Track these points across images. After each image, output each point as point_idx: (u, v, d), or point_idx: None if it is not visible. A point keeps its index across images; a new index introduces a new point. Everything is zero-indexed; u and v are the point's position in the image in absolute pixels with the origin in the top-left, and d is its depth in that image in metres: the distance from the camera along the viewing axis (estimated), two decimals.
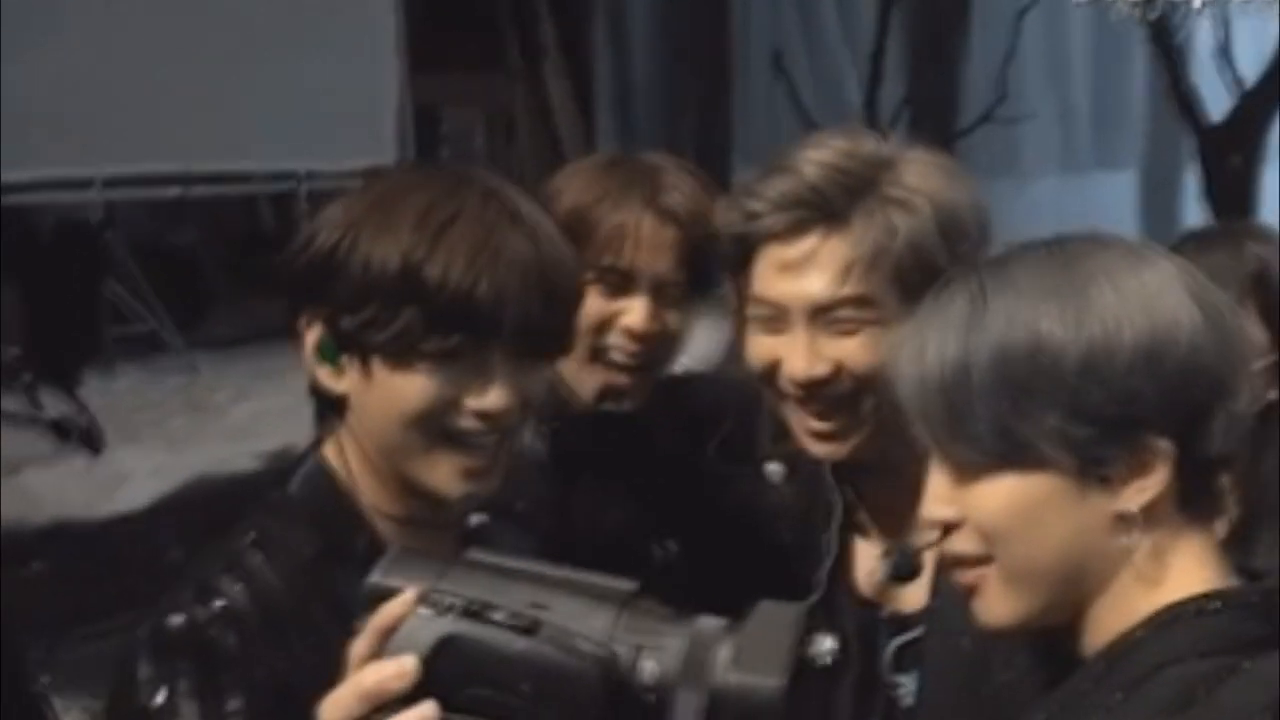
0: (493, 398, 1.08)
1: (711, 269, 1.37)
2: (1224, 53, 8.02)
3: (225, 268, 8.47)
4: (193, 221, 8.80)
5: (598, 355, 1.45)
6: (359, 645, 0.87)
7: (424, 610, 0.85)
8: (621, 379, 1.46)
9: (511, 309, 1.06)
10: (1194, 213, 8.48)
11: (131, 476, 5.93)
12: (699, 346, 1.55)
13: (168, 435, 6.56)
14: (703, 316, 1.51)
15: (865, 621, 1.31)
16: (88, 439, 6.15)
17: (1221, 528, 0.97)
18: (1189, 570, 0.95)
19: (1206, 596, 0.93)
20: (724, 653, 0.83)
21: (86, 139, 6.90)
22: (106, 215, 7.86)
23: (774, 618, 0.84)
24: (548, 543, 1.29)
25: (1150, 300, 0.94)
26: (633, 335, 1.44)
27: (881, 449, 1.24)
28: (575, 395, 1.47)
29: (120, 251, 7.74)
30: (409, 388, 1.07)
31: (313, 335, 1.11)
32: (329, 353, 1.10)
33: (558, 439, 1.49)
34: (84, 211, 7.71)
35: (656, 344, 1.46)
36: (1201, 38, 8.78)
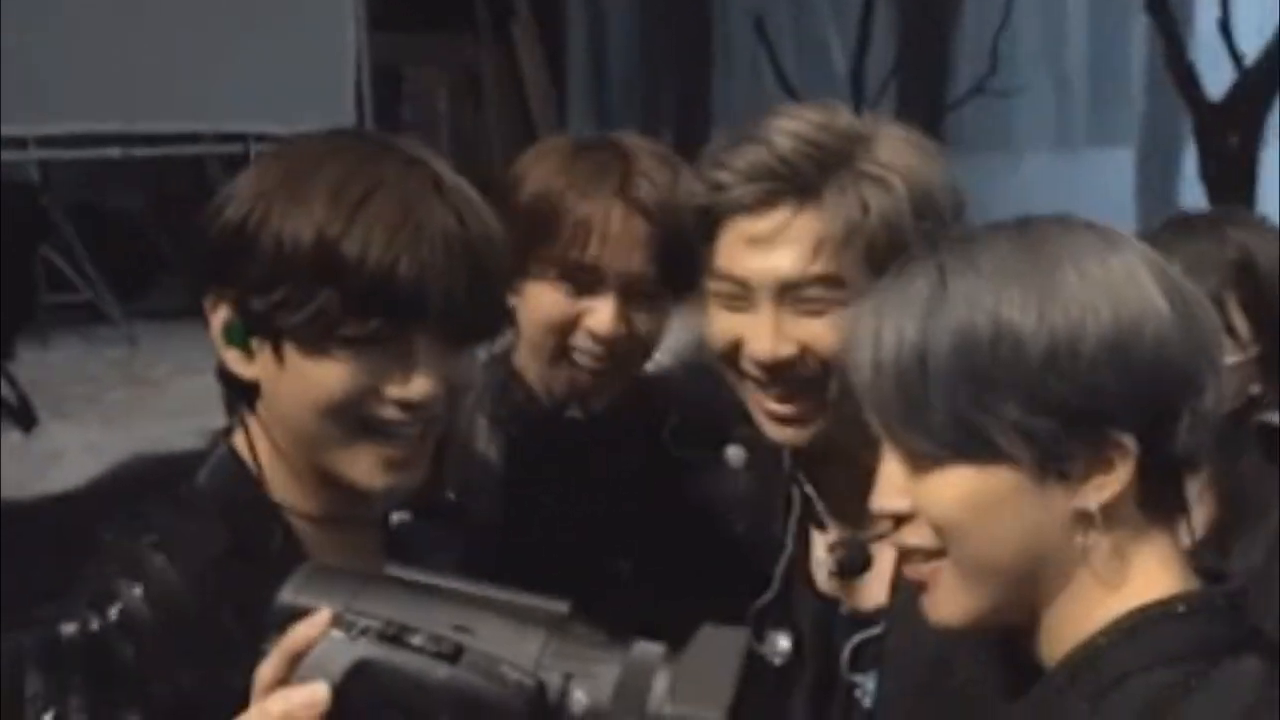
0: (416, 386, 1.05)
1: (686, 265, 1.33)
2: (1224, 28, 8.04)
3: (169, 234, 8.38)
4: (135, 185, 8.71)
5: (562, 355, 1.43)
6: (266, 669, 0.85)
7: (337, 633, 0.83)
8: (587, 381, 1.44)
9: (435, 289, 1.03)
10: (1192, 192, 8.52)
11: (65, 454, 5.87)
12: (672, 339, 1.52)
13: (104, 411, 6.50)
14: (678, 310, 1.48)
15: (823, 619, 1.32)
16: (18, 414, 6.08)
17: (1185, 534, 0.98)
18: (1150, 573, 0.95)
19: (1172, 601, 0.94)
20: (661, 682, 0.81)
21: (20, 96, 6.80)
22: (42, 177, 7.76)
23: (716, 645, 0.82)
24: (489, 545, 1.28)
25: (1116, 289, 0.94)
26: (598, 337, 1.41)
27: (842, 437, 1.24)
28: (538, 396, 1.46)
29: (56, 215, 7.65)
30: (325, 375, 1.04)
31: (220, 316, 1.08)
32: (238, 336, 1.07)
33: (514, 445, 1.48)
34: (18, 173, 7.61)
35: (625, 346, 1.43)
36: (1202, 12, 8.81)
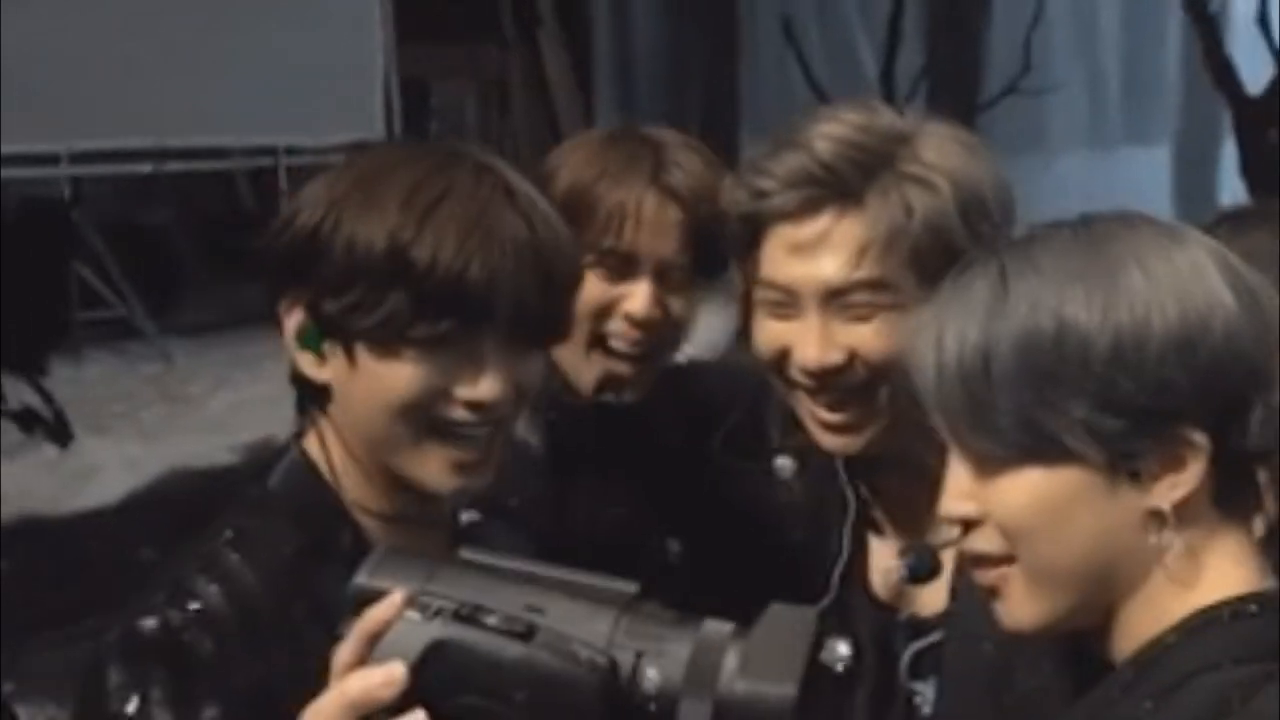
0: (485, 387, 1.07)
1: (718, 251, 1.36)
2: (1262, 21, 7.99)
3: (200, 249, 8.46)
4: (165, 200, 8.79)
5: (597, 343, 1.45)
6: (344, 651, 0.87)
7: (412, 614, 0.85)
8: (623, 368, 1.46)
9: (505, 292, 1.05)
10: (1230, 190, 8.46)
11: (101, 470, 5.93)
12: (704, 333, 1.54)
13: (139, 427, 6.56)
14: (709, 301, 1.50)
15: (881, 625, 1.31)
16: (54, 431, 6.14)
17: (1260, 526, 0.97)
18: (1224, 571, 0.94)
19: (1242, 599, 0.93)
20: (731, 659, 0.82)
21: (53, 112, 6.88)
22: (74, 193, 7.85)
23: (786, 622, 0.84)
24: (544, 541, 1.29)
25: (1182, 285, 0.93)
26: (634, 322, 1.43)
27: (898, 442, 1.24)
28: (574, 385, 1.47)
29: (88, 231, 7.73)
30: (396, 376, 1.06)
31: (293, 321, 1.11)
32: (311, 339, 1.10)
33: (555, 432, 1.49)
34: (50, 189, 7.69)
35: (659, 331, 1.45)
36: (1239, 5, 8.76)
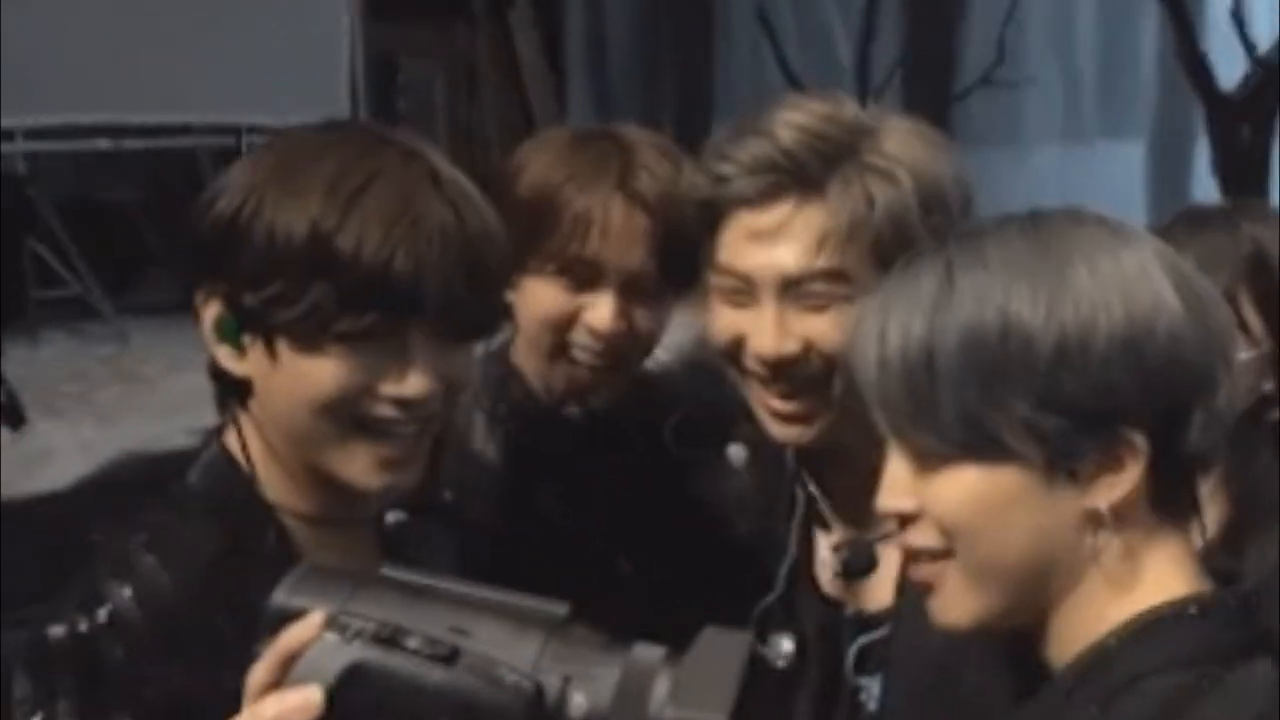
0: (412, 383, 1.05)
1: (687, 262, 1.33)
2: (1237, 17, 8.03)
3: (160, 228, 8.38)
4: (125, 178, 8.70)
5: (561, 352, 1.43)
6: (259, 672, 0.85)
7: (331, 635, 0.83)
8: (587, 377, 1.44)
9: (432, 284, 1.02)
10: (1204, 185, 8.51)
11: (55, 453, 5.87)
12: (672, 336, 1.51)
13: (95, 409, 6.50)
14: (679, 306, 1.47)
15: (827, 621, 1.32)
16: (7, 412, 6.07)
17: (1197, 531, 0.98)
18: (1162, 574, 0.95)
19: (1183, 602, 0.94)
20: (662, 685, 0.81)
21: (8, 88, 6.80)
22: (29, 169, 7.76)
23: (719, 647, 0.82)
24: (487, 545, 1.28)
25: (1128, 285, 0.94)
26: (597, 334, 1.41)
27: (847, 435, 1.24)
28: (534, 393, 1.46)
29: (45, 209, 7.64)
30: (319, 372, 1.03)
31: (211, 312, 1.07)
32: (229, 332, 1.07)
33: (512, 441, 1.47)
34: (5, 165, 7.60)
35: (625, 342, 1.43)
36: (1213, 0, 8.80)
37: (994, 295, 0.94)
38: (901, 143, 1.25)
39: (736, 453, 1.42)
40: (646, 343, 1.47)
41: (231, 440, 1.11)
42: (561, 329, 1.42)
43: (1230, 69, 8.15)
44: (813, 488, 1.35)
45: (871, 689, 1.29)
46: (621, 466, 1.50)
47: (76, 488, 5.63)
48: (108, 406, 6.55)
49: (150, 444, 5.88)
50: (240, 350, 1.07)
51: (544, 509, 1.49)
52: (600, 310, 1.41)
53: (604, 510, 1.48)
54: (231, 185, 1.06)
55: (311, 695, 0.82)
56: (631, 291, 1.42)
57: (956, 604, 0.97)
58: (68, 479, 5.66)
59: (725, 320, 1.28)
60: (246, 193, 1.05)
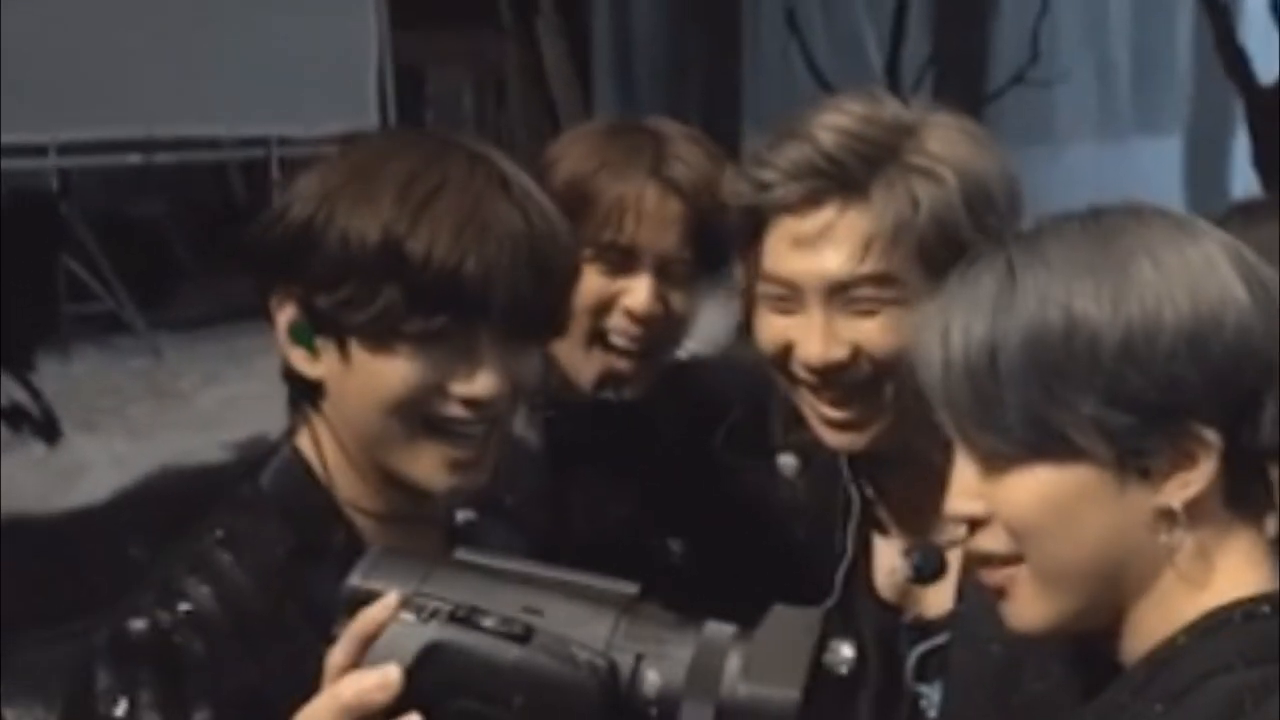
0: (481, 383, 1.07)
1: (720, 245, 1.36)
2: (1276, 8, 7.98)
3: (191, 242, 8.45)
4: (156, 191, 8.78)
5: (597, 338, 1.45)
6: (337, 653, 0.87)
7: (407, 615, 0.85)
8: (622, 364, 1.45)
9: (500, 287, 1.05)
10: (1243, 181, 8.45)
11: (90, 468, 5.93)
12: (706, 328, 1.54)
13: (129, 423, 6.56)
14: (710, 295, 1.49)
15: (886, 627, 1.31)
16: (42, 428, 6.14)
17: (1272, 526, 0.97)
18: (1236, 571, 0.94)
19: (1255, 600, 0.93)
20: (734, 662, 0.82)
21: (40, 103, 6.88)
22: (62, 184, 7.84)
23: (789, 624, 0.84)
24: (543, 540, 1.29)
25: (1194, 278, 0.93)
26: (634, 317, 1.43)
27: (903, 439, 1.24)
28: (572, 381, 1.47)
29: (77, 224, 7.72)
30: (390, 372, 1.06)
31: (285, 316, 1.10)
32: (303, 335, 1.10)
33: (553, 429, 1.49)
34: (38, 180, 7.69)
35: (660, 327, 1.45)
36: None
37: (1057, 293, 0.94)
38: (945, 141, 1.24)
39: (787, 462, 1.42)
40: (680, 327, 1.49)
41: (303, 442, 1.14)
42: (598, 314, 1.44)
43: (1268, 61, 8.09)
44: (870, 492, 1.34)
45: (932, 696, 1.28)
46: (658, 454, 1.52)
47: (111, 502, 5.69)
48: (141, 421, 6.61)
49: (184, 458, 5.93)
50: (314, 353, 1.10)
51: (587, 497, 1.50)
52: (637, 293, 1.43)
53: (647, 495, 1.50)
54: (304, 192, 1.09)
55: (389, 674, 0.84)
56: (666, 275, 1.44)
57: (1030, 608, 0.97)
58: (102, 493, 5.72)
59: (773, 328, 1.28)
60: (320, 199, 1.08)
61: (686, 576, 1.44)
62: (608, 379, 1.46)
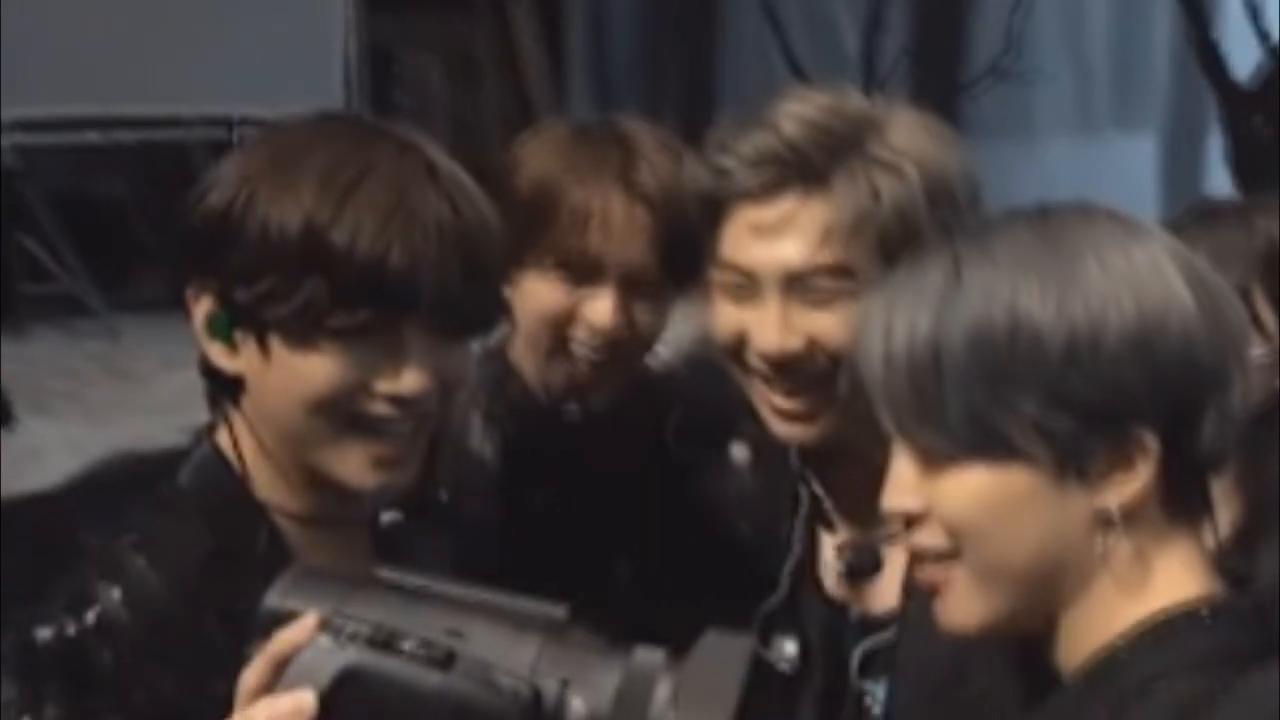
0: (407, 380, 1.05)
1: (689, 258, 1.33)
2: (1251, 7, 8.03)
3: (152, 222, 8.37)
4: (116, 170, 8.70)
5: (560, 348, 1.43)
6: (250, 675, 0.85)
7: (324, 638, 0.83)
8: (586, 375, 1.44)
9: (428, 279, 1.02)
10: (1218, 178, 8.50)
11: (44, 452, 5.86)
12: (674, 331, 1.51)
13: (86, 407, 6.50)
14: (680, 301, 1.47)
15: (831, 624, 1.32)
16: None
17: (1210, 532, 0.98)
18: (1174, 577, 0.95)
19: (1195, 605, 0.94)
20: (662, 690, 0.81)
21: None
22: (19, 162, 7.75)
23: (720, 652, 0.82)
24: (493, 555, 1.28)
25: (1140, 281, 0.94)
26: (597, 331, 1.41)
27: (851, 434, 1.24)
28: (534, 391, 1.46)
29: (34, 202, 7.64)
30: (312, 369, 1.03)
31: (203, 308, 1.07)
32: (221, 328, 1.07)
33: (510, 440, 1.47)
34: None
35: (624, 339, 1.43)
36: None
37: (1002, 291, 0.94)
38: (907, 135, 1.25)
39: (739, 452, 1.42)
40: (647, 339, 1.47)
41: (223, 439, 1.11)
42: (560, 325, 1.42)
43: (1244, 59, 8.14)
44: (817, 487, 1.35)
45: (877, 693, 1.29)
46: (621, 466, 1.50)
47: (66, 487, 5.63)
48: (98, 404, 6.55)
49: (141, 443, 5.87)
50: (232, 347, 1.07)
51: (541, 509, 1.49)
52: (600, 306, 1.40)
53: (603, 511, 1.48)
54: (223, 179, 1.06)
55: (304, 700, 0.82)
56: (632, 287, 1.41)
57: (964, 607, 0.97)
58: (57, 478, 5.65)
59: (727, 316, 1.28)
60: (239, 186, 1.05)
61: (633, 596, 1.43)
62: (571, 389, 1.44)
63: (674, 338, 1.53)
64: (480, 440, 1.47)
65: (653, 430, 1.52)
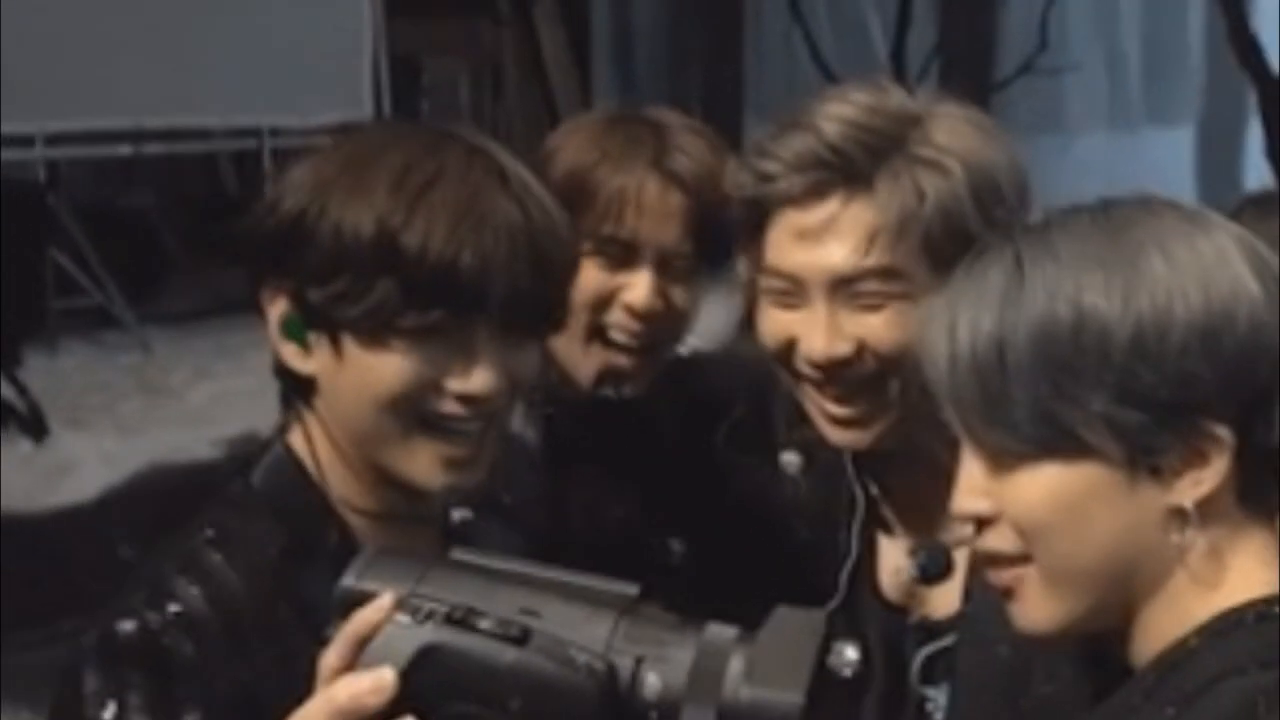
0: (477, 379, 1.07)
1: (722, 240, 1.35)
2: None
3: (181, 234, 8.44)
4: (145, 183, 8.78)
5: (596, 334, 1.44)
6: (330, 655, 0.86)
7: (402, 617, 0.85)
8: (623, 360, 1.45)
9: (498, 280, 1.05)
10: (1256, 173, 8.44)
11: (78, 465, 5.92)
12: (708, 323, 1.53)
13: (118, 420, 6.55)
14: (712, 289, 1.49)
15: (891, 628, 1.31)
16: (29, 425, 6.14)
17: None
18: (1249, 572, 0.94)
19: (1268, 601, 0.93)
20: (736, 665, 0.82)
21: (28, 93, 6.87)
22: (50, 176, 7.83)
23: (792, 626, 0.84)
24: (541, 541, 1.29)
25: (1206, 272, 0.93)
26: (635, 313, 1.43)
27: (908, 437, 1.24)
28: (572, 378, 1.47)
29: (65, 216, 7.71)
30: (384, 368, 1.06)
31: (277, 310, 1.10)
32: (295, 329, 1.09)
33: (552, 427, 1.49)
34: (25, 172, 7.68)
35: (661, 323, 1.45)
36: None
37: (1066, 287, 0.94)
38: (951, 131, 1.24)
39: (790, 460, 1.42)
40: (681, 323, 1.49)
41: (295, 439, 1.14)
42: (598, 310, 1.43)
43: None
44: (874, 489, 1.34)
45: (938, 699, 1.28)
46: (661, 450, 1.51)
47: (100, 500, 5.69)
48: (131, 417, 6.60)
49: (174, 454, 5.93)
50: (306, 348, 1.10)
51: (587, 492, 1.50)
52: (637, 289, 1.42)
53: (647, 495, 1.50)
54: (297, 183, 1.09)
55: (384, 677, 0.84)
56: (667, 270, 1.44)
57: (1039, 609, 0.97)
58: (91, 491, 5.71)
59: (775, 322, 1.28)
60: (313, 191, 1.08)
61: (687, 577, 1.43)
62: (607, 375, 1.46)
63: (703, 327, 1.54)
64: (522, 424, 1.48)
65: (686, 418, 1.53)
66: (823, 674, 0.84)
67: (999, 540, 0.97)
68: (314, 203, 1.07)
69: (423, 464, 1.08)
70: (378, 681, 0.84)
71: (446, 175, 1.06)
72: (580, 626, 0.84)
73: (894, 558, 1.33)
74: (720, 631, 0.84)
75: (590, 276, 1.42)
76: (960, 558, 1.19)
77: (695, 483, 1.49)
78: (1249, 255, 0.95)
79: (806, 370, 1.26)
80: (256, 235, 1.10)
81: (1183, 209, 0.98)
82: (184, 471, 5.63)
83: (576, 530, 1.46)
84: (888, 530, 1.35)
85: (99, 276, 7.74)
